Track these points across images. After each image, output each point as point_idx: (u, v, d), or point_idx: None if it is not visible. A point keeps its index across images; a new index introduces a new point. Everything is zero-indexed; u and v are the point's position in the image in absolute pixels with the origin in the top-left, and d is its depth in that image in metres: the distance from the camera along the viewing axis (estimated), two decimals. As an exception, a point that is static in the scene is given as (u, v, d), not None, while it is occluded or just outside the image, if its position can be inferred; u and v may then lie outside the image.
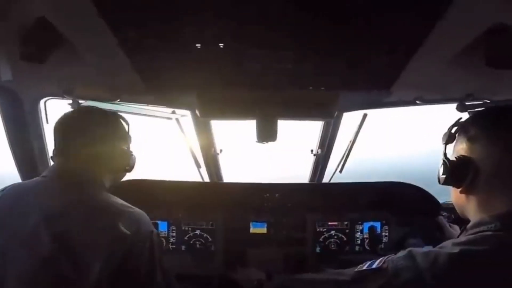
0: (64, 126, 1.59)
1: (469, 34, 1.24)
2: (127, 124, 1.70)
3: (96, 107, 1.70)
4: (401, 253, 1.13)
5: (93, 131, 1.57)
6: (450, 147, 1.25)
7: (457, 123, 1.23)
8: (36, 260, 1.27)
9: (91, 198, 1.44)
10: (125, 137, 1.68)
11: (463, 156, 1.14)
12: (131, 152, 1.69)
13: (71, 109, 1.78)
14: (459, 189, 1.17)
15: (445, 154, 1.21)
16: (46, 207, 1.35)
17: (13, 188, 1.48)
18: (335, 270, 1.37)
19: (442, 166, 1.19)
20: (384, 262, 1.14)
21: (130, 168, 1.69)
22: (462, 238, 1.08)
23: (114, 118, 1.67)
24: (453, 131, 1.22)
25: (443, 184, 1.20)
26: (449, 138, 1.22)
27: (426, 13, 1.13)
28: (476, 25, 1.19)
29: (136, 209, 1.49)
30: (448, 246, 1.05)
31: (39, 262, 1.27)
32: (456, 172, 1.15)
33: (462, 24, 1.18)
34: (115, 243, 1.33)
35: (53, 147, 1.59)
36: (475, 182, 1.11)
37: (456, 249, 1.01)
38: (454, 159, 1.16)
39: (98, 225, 1.34)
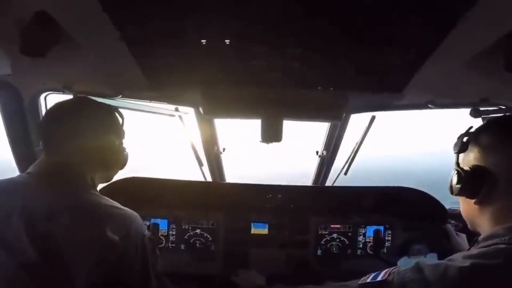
0: (51, 116, 1.51)
1: (489, 37, 1.19)
2: (122, 117, 1.61)
3: (89, 97, 1.61)
4: (408, 265, 1.08)
5: (82, 123, 1.47)
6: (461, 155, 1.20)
7: (469, 131, 1.19)
8: (18, 265, 1.19)
9: (77, 199, 1.35)
10: (119, 131, 1.59)
11: (478, 165, 1.10)
12: (124, 147, 1.60)
13: (63, 99, 1.68)
14: (473, 200, 1.11)
15: (457, 164, 1.17)
16: (29, 208, 1.27)
17: None
18: (337, 283, 1.36)
19: (456, 176, 1.14)
20: (389, 274, 1.11)
21: (122, 164, 1.61)
22: (474, 250, 1.03)
23: (107, 111, 1.58)
24: (465, 139, 1.17)
25: (457, 195, 1.16)
26: (461, 147, 1.18)
27: (446, 14, 1.08)
28: (497, 28, 1.13)
29: (127, 210, 1.41)
30: (458, 259, 1.00)
31: (22, 267, 1.19)
32: (471, 182, 1.10)
33: (483, 27, 1.13)
34: (103, 250, 1.26)
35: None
36: (491, 193, 1.07)
37: (466, 263, 0.97)
38: (468, 169, 1.11)
39: (84, 230, 1.27)
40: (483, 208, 1.11)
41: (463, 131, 1.22)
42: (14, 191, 1.34)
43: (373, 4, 1.07)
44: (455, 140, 1.22)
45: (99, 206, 1.36)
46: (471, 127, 1.21)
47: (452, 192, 1.18)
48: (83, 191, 1.39)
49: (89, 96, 1.90)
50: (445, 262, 1.02)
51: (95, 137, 1.48)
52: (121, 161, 1.59)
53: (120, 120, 1.61)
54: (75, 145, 1.43)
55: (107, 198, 1.42)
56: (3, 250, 1.21)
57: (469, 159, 1.15)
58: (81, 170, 1.44)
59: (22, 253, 1.19)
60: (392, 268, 1.13)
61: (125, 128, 1.63)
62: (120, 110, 1.71)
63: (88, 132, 1.47)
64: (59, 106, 1.53)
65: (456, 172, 1.15)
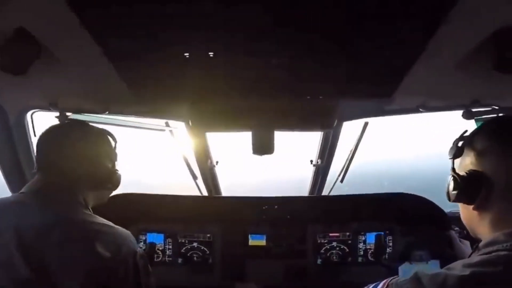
0: (46, 140, 1.54)
1: (476, 37, 1.18)
2: (115, 141, 1.65)
3: (84, 122, 1.65)
4: (409, 271, 1.05)
5: (76, 147, 1.51)
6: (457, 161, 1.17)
7: (463, 136, 1.16)
8: (10, 281, 1.21)
9: (69, 219, 1.37)
10: (111, 153, 1.62)
11: (474, 170, 1.06)
12: (116, 169, 1.63)
13: (58, 122, 1.74)
14: (471, 206, 1.08)
15: (453, 169, 1.13)
16: (22, 226, 1.29)
17: None
18: None
19: (452, 181, 1.11)
20: (387, 286, 1.07)
21: (113, 186, 1.63)
22: (475, 258, 0.99)
23: (100, 134, 1.62)
24: (459, 144, 1.14)
25: (454, 201, 1.12)
26: (457, 151, 1.14)
27: (429, 16, 1.08)
28: (483, 28, 1.13)
29: (118, 229, 1.42)
30: (457, 268, 0.96)
31: (14, 283, 1.21)
32: (468, 188, 1.07)
33: (468, 27, 1.12)
34: (93, 267, 1.26)
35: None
36: (489, 198, 1.04)
37: (466, 271, 0.92)
38: (465, 174, 1.08)
39: (75, 249, 1.28)
40: (482, 214, 1.07)
41: (458, 133, 1.20)
42: (7, 210, 1.37)
43: (358, 9, 1.06)
44: (450, 142, 1.20)
45: (90, 224, 1.37)
46: (465, 131, 1.17)
47: (449, 199, 1.14)
48: (75, 211, 1.41)
49: (78, 116, 1.89)
50: (444, 271, 0.97)
51: (88, 159, 1.52)
52: (114, 183, 1.61)
53: (113, 143, 1.64)
54: (68, 166, 1.47)
55: (99, 217, 1.43)
56: None
57: (465, 163, 1.11)
58: (73, 190, 1.47)
59: (15, 269, 1.22)
60: (391, 278, 1.10)
61: (117, 149, 1.67)
62: (110, 126, 1.69)
63: (81, 154, 1.51)
64: (54, 128, 1.57)
65: (452, 177, 1.11)
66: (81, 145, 1.52)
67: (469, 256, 1.07)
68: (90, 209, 1.51)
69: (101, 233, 1.34)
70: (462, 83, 1.62)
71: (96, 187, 1.55)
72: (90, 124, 1.66)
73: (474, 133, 1.14)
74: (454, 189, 1.10)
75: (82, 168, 1.49)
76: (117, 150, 1.66)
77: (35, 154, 1.55)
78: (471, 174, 1.06)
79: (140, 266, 1.40)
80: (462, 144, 1.13)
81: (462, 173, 1.09)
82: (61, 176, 1.45)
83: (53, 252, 1.25)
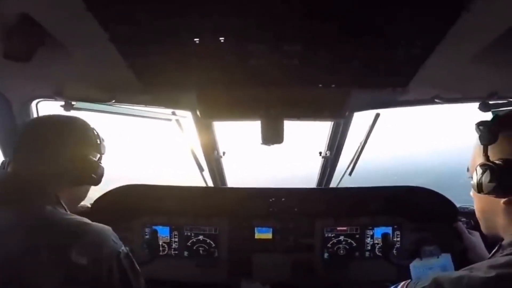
0: (23, 131, 1.45)
1: (497, 28, 1.14)
2: (97, 133, 1.52)
3: (63, 115, 1.55)
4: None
5: (50, 139, 1.38)
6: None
7: (497, 119, 1.07)
8: None
9: (37, 216, 1.23)
10: (91, 146, 1.49)
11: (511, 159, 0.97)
12: (98, 163, 1.50)
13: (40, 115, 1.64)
14: (501, 200, 1.01)
15: (488, 157, 1.03)
16: None
17: None
18: None
19: (488, 172, 1.00)
20: None
21: (93, 180, 1.47)
22: (500, 259, 0.93)
23: (79, 126, 1.49)
24: (493, 129, 1.03)
25: (487, 193, 1.02)
26: (491, 137, 1.02)
27: (450, 5, 1.03)
28: (505, 18, 1.09)
29: (97, 226, 1.28)
30: (482, 269, 0.91)
31: None
32: (507, 179, 0.98)
33: (490, 17, 1.07)
34: (68, 276, 1.14)
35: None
36: None
37: (492, 273, 0.87)
38: (501, 163, 0.99)
39: (46, 254, 1.14)
40: (511, 209, 1.00)
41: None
42: None
43: None
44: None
45: (62, 224, 1.23)
46: (497, 115, 1.09)
47: (480, 190, 1.04)
48: (44, 208, 1.26)
49: (83, 104, 1.85)
50: (467, 272, 0.92)
51: (62, 152, 1.39)
52: (91, 177, 1.46)
53: (96, 136, 1.52)
54: (40, 160, 1.35)
55: (73, 214, 1.31)
56: None
57: (496, 151, 1.02)
58: (45, 186, 1.33)
59: None
60: (408, 281, 1.06)
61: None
62: (115, 116, 1.65)
63: (55, 147, 1.38)
64: (30, 121, 1.50)
65: (487, 167, 1.00)
66: (56, 138, 1.39)
67: (492, 255, 1.01)
68: (64, 206, 1.36)
69: (76, 234, 1.21)
70: (480, 75, 1.57)
71: (71, 183, 1.42)
72: (71, 116, 1.56)
73: (509, 116, 1.06)
74: (490, 181, 1.00)
75: (54, 162, 1.36)
76: (103, 143, 1.54)
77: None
78: (509, 163, 0.98)
79: (126, 267, 1.28)
80: (496, 128, 1.03)
81: (498, 162, 1.00)
82: (30, 171, 1.32)
83: (24, 259, 1.12)
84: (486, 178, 1.01)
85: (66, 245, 1.16)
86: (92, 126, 1.53)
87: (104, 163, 1.54)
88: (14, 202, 1.25)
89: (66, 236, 1.19)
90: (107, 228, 1.31)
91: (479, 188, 1.04)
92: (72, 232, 1.21)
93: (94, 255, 1.19)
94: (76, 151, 1.43)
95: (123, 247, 1.32)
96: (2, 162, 1.46)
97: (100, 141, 1.52)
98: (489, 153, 1.03)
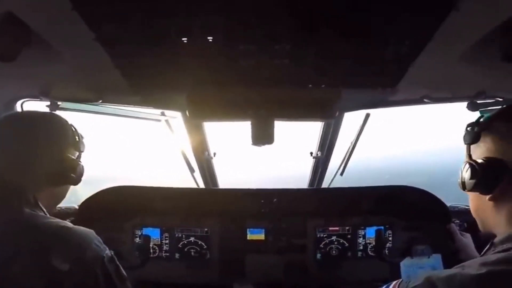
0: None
1: (484, 27, 1.15)
2: (76, 130, 1.47)
3: (40, 111, 1.50)
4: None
5: (23, 138, 1.34)
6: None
7: (480, 120, 1.10)
8: None
9: (14, 220, 1.18)
10: (70, 144, 1.44)
11: (493, 158, 1.01)
12: (77, 161, 1.44)
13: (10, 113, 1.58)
14: (487, 197, 1.03)
15: (470, 156, 1.08)
16: None
17: None
18: None
19: (469, 169, 1.04)
20: None
21: (72, 179, 1.41)
22: (492, 256, 0.93)
23: (57, 124, 1.45)
24: (476, 129, 1.08)
25: (470, 190, 1.06)
26: (474, 137, 1.07)
27: (438, 5, 1.04)
28: (491, 17, 1.09)
29: (78, 230, 1.24)
30: (474, 266, 0.91)
31: None
32: (487, 176, 1.01)
33: (477, 17, 1.08)
34: (51, 284, 1.10)
35: None
36: (509, 188, 0.99)
37: (483, 270, 0.87)
38: (483, 161, 1.02)
39: (26, 263, 1.09)
40: (499, 205, 1.02)
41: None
42: None
43: None
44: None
45: (42, 228, 1.19)
46: (481, 116, 1.12)
47: (464, 188, 1.08)
48: (22, 211, 1.21)
49: (69, 105, 1.81)
50: (459, 270, 0.92)
51: (37, 151, 1.34)
52: (71, 178, 1.40)
53: (75, 133, 1.47)
54: (15, 160, 1.31)
55: (53, 218, 1.26)
56: None
57: (481, 150, 1.06)
58: (21, 187, 1.27)
59: None
60: (400, 281, 1.06)
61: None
62: (103, 116, 1.62)
63: (29, 146, 1.33)
64: (4, 118, 1.44)
65: (469, 165, 1.05)
66: (32, 137, 1.35)
67: (484, 253, 1.02)
68: (43, 209, 1.30)
69: (56, 238, 1.16)
70: (468, 74, 1.59)
71: (49, 183, 1.36)
72: (49, 114, 1.52)
73: (493, 117, 1.08)
74: (471, 178, 1.04)
75: (30, 162, 1.32)
76: (82, 140, 1.49)
77: None
78: (491, 161, 1.01)
79: (111, 272, 1.24)
80: (479, 129, 1.07)
81: (480, 160, 1.03)
82: (4, 172, 1.28)
83: (1, 270, 1.08)
84: (467, 175, 1.05)
85: (47, 250, 1.12)
86: (70, 123, 1.47)
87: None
88: None
89: (47, 240, 1.15)
90: (90, 231, 1.27)
91: (463, 185, 1.08)
92: (52, 236, 1.17)
93: (76, 260, 1.15)
94: (54, 150, 1.37)
95: (107, 251, 1.27)
96: None
97: (79, 138, 1.47)
98: (474, 152, 1.08)
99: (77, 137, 1.46)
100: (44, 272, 1.10)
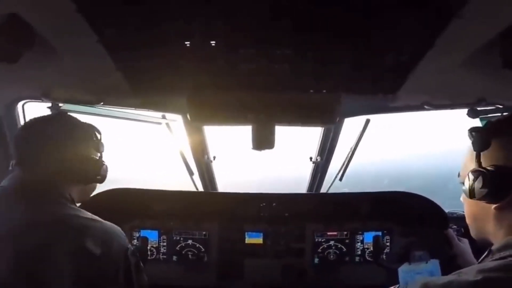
0: (27, 132, 1.48)
1: (485, 35, 1.16)
2: (99, 133, 1.59)
3: (66, 113, 1.60)
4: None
5: (58, 138, 1.44)
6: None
7: (489, 125, 1.06)
8: None
9: (55, 214, 1.30)
10: (95, 146, 1.56)
11: (504, 166, 0.98)
12: (102, 161, 1.56)
13: (39, 115, 1.65)
14: (492, 206, 1.00)
15: (480, 163, 1.02)
16: (4, 224, 1.24)
17: None
18: None
19: (480, 178, 1.00)
20: None
21: (100, 178, 1.55)
22: (489, 263, 0.93)
23: (84, 125, 1.56)
24: (485, 136, 1.03)
25: (479, 199, 1.02)
26: (484, 143, 1.02)
27: (439, 12, 1.04)
28: (492, 25, 1.10)
29: (107, 224, 1.38)
30: (471, 273, 0.90)
31: None
32: (500, 186, 0.97)
33: (478, 24, 1.09)
34: (82, 263, 1.22)
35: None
36: None
37: (479, 276, 0.87)
38: (494, 169, 0.98)
39: (62, 244, 1.22)
40: (503, 214, 1.00)
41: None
42: None
43: (365, 3, 1.01)
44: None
45: (78, 219, 1.32)
46: (490, 121, 1.08)
47: (472, 196, 1.03)
48: (60, 206, 1.35)
49: (71, 107, 1.82)
50: (456, 277, 0.91)
51: (72, 153, 1.46)
52: (99, 175, 1.54)
53: (98, 135, 1.58)
54: (51, 160, 1.41)
55: (86, 212, 1.38)
56: None
57: (490, 157, 1.01)
58: (57, 185, 1.40)
59: None
60: (396, 286, 1.06)
61: (105, 140, 1.61)
62: (104, 118, 1.64)
63: (64, 147, 1.44)
64: (34, 121, 1.50)
65: (480, 173, 1.00)
66: (63, 138, 1.46)
67: (481, 260, 1.02)
68: (76, 204, 1.45)
69: (90, 228, 1.30)
70: (469, 81, 1.59)
71: (80, 181, 1.50)
72: (72, 115, 1.59)
73: (502, 122, 1.05)
74: (483, 187, 0.99)
75: (64, 162, 1.42)
76: (103, 142, 1.60)
77: (15, 146, 1.48)
78: (502, 170, 0.97)
79: (131, 263, 1.36)
80: (489, 135, 1.02)
81: (490, 168, 0.99)
82: (43, 171, 1.39)
83: (38, 251, 1.19)
84: (478, 184, 1.01)
85: (82, 236, 1.25)
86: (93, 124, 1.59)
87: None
88: (29, 201, 1.31)
89: (82, 228, 1.28)
90: (117, 227, 1.40)
91: (471, 194, 1.03)
92: (86, 225, 1.30)
93: (106, 248, 1.28)
94: (83, 151, 1.50)
95: (130, 246, 1.40)
96: (11, 163, 1.49)
97: (101, 139, 1.59)
98: (481, 159, 1.03)
99: (100, 139, 1.59)
100: (78, 253, 1.22)
